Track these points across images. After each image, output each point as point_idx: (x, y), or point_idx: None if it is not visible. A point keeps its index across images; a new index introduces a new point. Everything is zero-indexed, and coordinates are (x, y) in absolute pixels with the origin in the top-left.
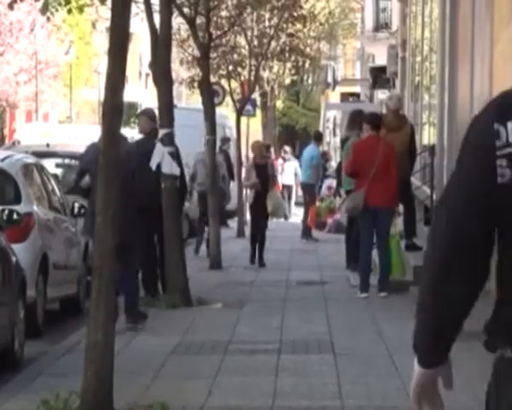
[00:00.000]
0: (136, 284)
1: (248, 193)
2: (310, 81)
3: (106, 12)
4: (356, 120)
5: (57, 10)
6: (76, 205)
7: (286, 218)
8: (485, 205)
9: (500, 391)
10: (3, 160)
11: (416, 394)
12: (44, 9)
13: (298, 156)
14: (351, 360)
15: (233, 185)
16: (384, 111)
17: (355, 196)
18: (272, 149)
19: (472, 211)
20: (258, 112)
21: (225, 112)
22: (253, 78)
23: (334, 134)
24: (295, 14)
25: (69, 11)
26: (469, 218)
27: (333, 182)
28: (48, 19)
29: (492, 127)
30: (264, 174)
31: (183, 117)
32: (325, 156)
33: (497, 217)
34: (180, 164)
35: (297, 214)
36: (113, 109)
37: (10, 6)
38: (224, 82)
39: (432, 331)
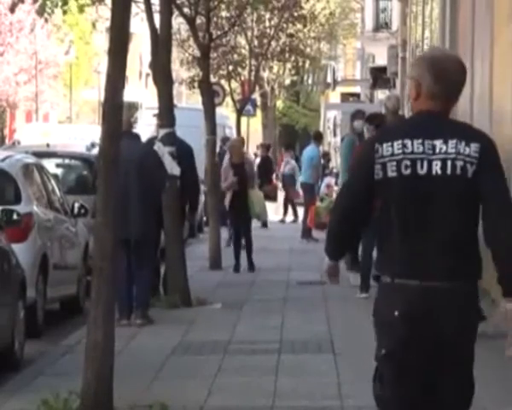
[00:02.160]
0: (150, 281)
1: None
2: (310, 81)
3: (106, 12)
4: (357, 120)
5: (53, 12)
6: (76, 205)
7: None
8: (364, 191)
9: (385, 303)
10: (4, 160)
11: (327, 272)
12: (41, 10)
13: (297, 157)
14: (351, 360)
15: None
16: (383, 112)
17: None
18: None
19: (354, 195)
20: (259, 112)
21: (225, 112)
22: (253, 78)
23: (335, 134)
24: (295, 14)
25: (65, 12)
26: (353, 198)
27: (331, 180)
28: (46, 20)
29: (373, 146)
30: (242, 174)
31: (183, 117)
32: (327, 157)
33: (372, 199)
34: (193, 164)
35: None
36: (114, 109)
37: (12, 9)
38: (224, 82)
39: (337, 247)
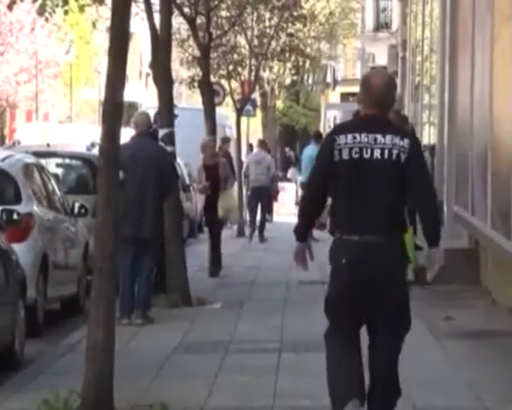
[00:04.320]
0: (152, 281)
1: (198, 196)
2: (310, 81)
3: (106, 12)
4: None
5: (54, 12)
6: (76, 205)
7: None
8: (327, 170)
9: (336, 253)
10: (4, 160)
11: (296, 256)
12: (42, 10)
13: (297, 157)
14: None
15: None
16: None
17: None
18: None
19: (320, 173)
20: (259, 112)
21: (225, 112)
22: (253, 78)
23: None
24: (295, 13)
25: (66, 12)
26: (318, 179)
27: None
28: (46, 19)
29: (333, 137)
30: (215, 176)
31: (183, 117)
32: None
33: (330, 176)
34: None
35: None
36: (114, 109)
37: (9, 7)
38: (224, 82)
39: (305, 221)
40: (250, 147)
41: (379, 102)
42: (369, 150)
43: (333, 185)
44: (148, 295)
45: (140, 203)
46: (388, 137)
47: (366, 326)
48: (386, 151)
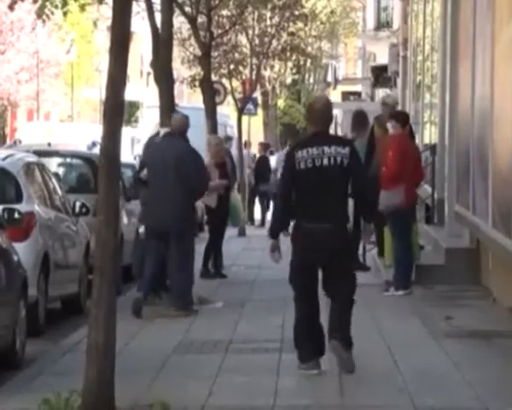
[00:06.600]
0: (191, 272)
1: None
2: (311, 80)
3: (107, 11)
4: (361, 120)
5: (53, 13)
6: (77, 204)
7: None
8: (291, 178)
9: (296, 235)
10: (5, 159)
11: (271, 250)
12: (40, 12)
13: None
14: None
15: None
16: (381, 108)
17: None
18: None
19: (286, 180)
20: (260, 111)
21: (227, 111)
22: (254, 77)
23: (335, 133)
24: (296, 12)
25: (65, 14)
26: (286, 183)
27: None
28: (44, 21)
29: (294, 152)
30: (225, 174)
31: None
32: None
33: (294, 182)
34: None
35: None
36: (115, 108)
37: (10, 7)
38: (225, 81)
39: (278, 220)
40: (245, 144)
41: (321, 121)
42: (319, 160)
43: (295, 187)
44: (186, 287)
45: (161, 198)
46: (333, 147)
47: (323, 283)
48: (332, 159)
